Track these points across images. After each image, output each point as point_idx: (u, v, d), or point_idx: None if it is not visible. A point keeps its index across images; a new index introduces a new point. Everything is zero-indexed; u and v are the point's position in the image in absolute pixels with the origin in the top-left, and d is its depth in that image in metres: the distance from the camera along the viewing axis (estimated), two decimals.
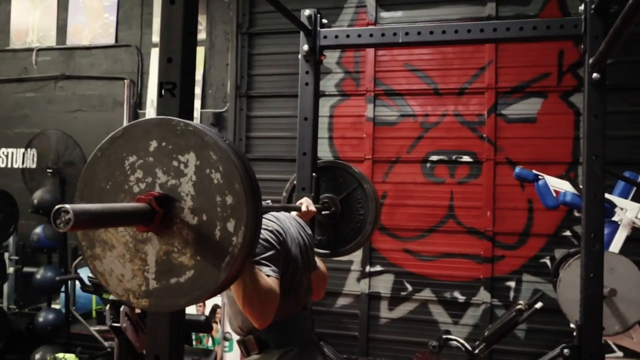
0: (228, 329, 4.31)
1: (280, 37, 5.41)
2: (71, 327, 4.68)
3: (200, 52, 5.65)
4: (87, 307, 5.11)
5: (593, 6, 2.12)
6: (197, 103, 5.62)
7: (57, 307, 5.00)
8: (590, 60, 2.10)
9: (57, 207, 0.99)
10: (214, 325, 4.31)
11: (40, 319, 4.66)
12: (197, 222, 1.19)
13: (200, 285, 1.19)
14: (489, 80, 4.90)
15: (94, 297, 5.11)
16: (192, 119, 1.46)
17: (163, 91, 1.42)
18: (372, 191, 2.59)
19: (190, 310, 3.47)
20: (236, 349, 4.36)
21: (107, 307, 3.22)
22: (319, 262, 2.15)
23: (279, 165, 5.37)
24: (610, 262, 2.77)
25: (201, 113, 5.60)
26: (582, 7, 2.17)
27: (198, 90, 5.63)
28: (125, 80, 4.74)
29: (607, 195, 3.03)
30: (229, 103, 5.48)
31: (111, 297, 3.26)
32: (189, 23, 1.44)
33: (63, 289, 4.57)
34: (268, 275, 1.68)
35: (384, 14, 5.22)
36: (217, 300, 4.25)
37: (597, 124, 2.12)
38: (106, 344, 4.29)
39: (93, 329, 4.47)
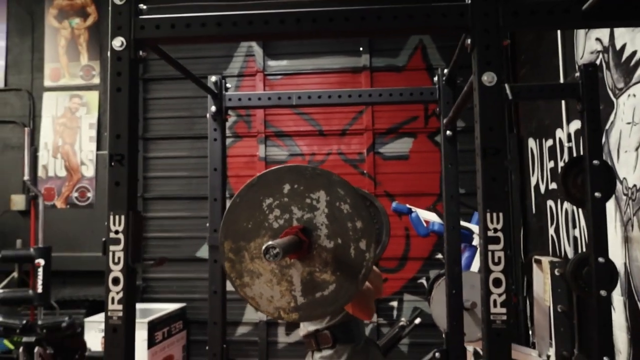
0: None
1: (174, 83, 5.72)
2: None
3: (94, 96, 5.81)
4: None
5: (444, 78, 2.69)
6: (93, 145, 5.76)
7: None
8: (444, 121, 2.66)
9: (266, 245, 1.38)
10: None
11: None
12: (334, 245, 1.51)
13: (342, 294, 1.50)
14: (367, 122, 5.51)
15: None
16: (137, 183, 1.80)
17: (113, 162, 1.74)
18: (382, 207, 2.95)
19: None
20: None
21: (21, 349, 3.36)
22: None
23: (176, 204, 5.64)
24: (471, 280, 3.35)
25: (97, 155, 5.74)
26: (436, 78, 2.74)
27: (93, 133, 5.78)
28: (26, 128, 4.81)
29: (466, 224, 3.65)
30: None
31: (24, 339, 3.39)
32: (132, 106, 1.78)
33: None
34: None
35: (271, 63, 5.70)
36: None
37: (451, 170, 2.67)
38: None
39: None
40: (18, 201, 5.69)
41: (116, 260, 1.70)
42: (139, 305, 5.20)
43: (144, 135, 5.73)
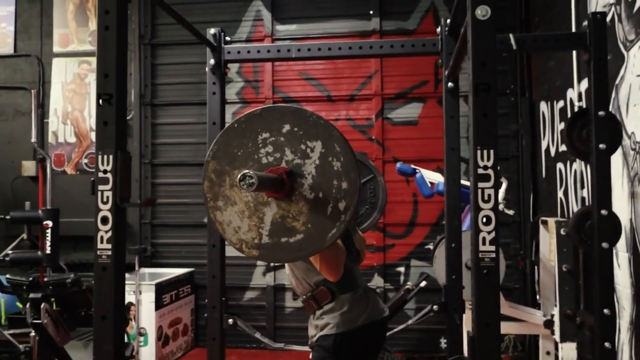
0: (143, 324, 4.54)
1: (182, 48, 5.68)
2: None
3: None
4: None
5: (447, 29, 2.63)
6: None
7: None
8: (446, 72, 2.61)
9: (243, 172, 1.37)
10: (129, 321, 4.52)
11: None
12: (314, 197, 1.49)
13: (306, 247, 1.49)
14: (375, 87, 5.45)
15: (2, 304, 5.12)
16: (126, 123, 1.78)
17: (101, 101, 1.73)
18: (383, 183, 2.89)
19: None
20: (151, 343, 4.60)
21: (27, 305, 3.40)
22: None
23: (184, 170, 5.64)
24: None
25: None
26: (438, 29, 2.68)
27: None
28: (33, 90, 4.83)
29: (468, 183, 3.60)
30: (134, 111, 5.67)
31: (31, 295, 3.43)
32: (121, 45, 1.76)
33: None
34: None
35: (280, 27, 5.64)
36: (131, 297, 4.46)
37: (452, 122, 2.64)
38: (21, 347, 4.37)
39: (7, 333, 4.53)
40: (29, 167, 5.74)
41: (105, 199, 1.71)
42: (147, 270, 5.25)
43: (152, 102, 5.72)
